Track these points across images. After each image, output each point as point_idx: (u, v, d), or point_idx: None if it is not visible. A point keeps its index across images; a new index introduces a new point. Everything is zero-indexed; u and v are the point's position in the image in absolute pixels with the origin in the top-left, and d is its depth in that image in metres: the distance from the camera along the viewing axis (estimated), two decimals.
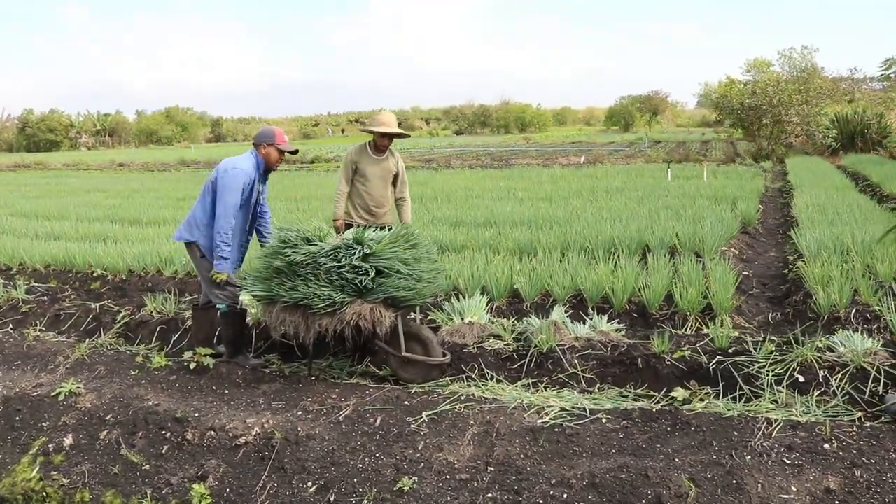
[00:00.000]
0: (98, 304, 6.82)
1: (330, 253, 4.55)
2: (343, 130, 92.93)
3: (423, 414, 4.21)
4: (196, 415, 4.40)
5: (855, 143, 27.49)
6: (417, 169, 26.72)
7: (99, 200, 16.97)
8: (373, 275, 4.51)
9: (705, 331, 5.93)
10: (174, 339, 6.11)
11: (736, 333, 5.50)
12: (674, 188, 14.30)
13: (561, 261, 7.42)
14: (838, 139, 27.93)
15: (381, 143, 6.22)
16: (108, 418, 4.53)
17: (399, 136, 6.33)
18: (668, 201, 12.07)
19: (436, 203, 13.33)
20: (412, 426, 4.09)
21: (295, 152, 5.70)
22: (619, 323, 5.79)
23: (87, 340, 6.13)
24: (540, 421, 4.09)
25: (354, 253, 4.54)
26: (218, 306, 5.35)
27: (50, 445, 4.40)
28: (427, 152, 39.47)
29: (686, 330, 6.02)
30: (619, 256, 7.54)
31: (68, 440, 4.40)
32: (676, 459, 3.64)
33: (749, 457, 3.61)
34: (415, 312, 5.47)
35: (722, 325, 6.14)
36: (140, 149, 63.64)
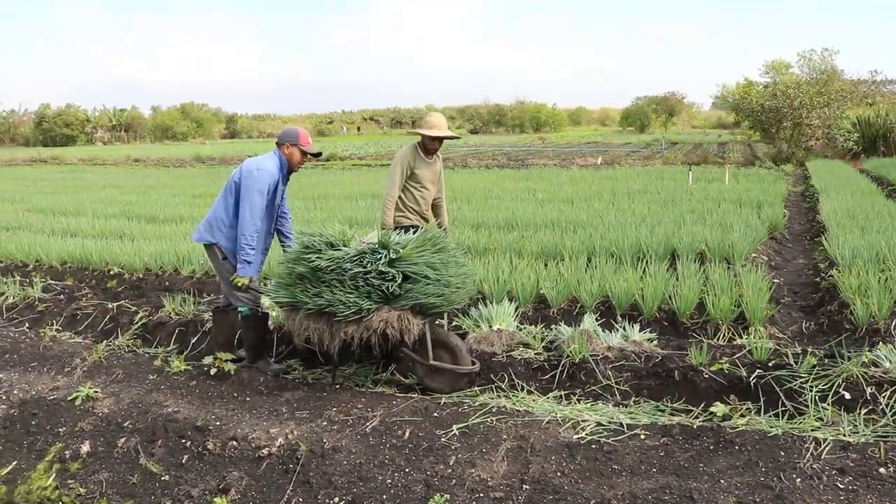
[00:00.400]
0: (115, 304, 6.70)
1: (355, 258, 4.38)
2: (359, 129, 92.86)
3: (454, 427, 4.04)
4: (217, 423, 4.25)
5: (877, 146, 27.11)
6: None
7: (115, 196, 16.91)
8: (400, 280, 4.35)
9: (738, 341, 5.74)
10: (193, 341, 5.97)
11: (771, 345, 5.32)
12: (696, 191, 14.06)
13: (588, 266, 7.24)
14: (860, 143, 27.55)
15: (432, 146, 6.01)
16: (126, 425, 4.39)
17: (450, 138, 6.10)
18: (693, 205, 11.84)
19: (455, 204, 13.15)
20: (443, 440, 3.92)
21: (318, 155, 5.54)
22: (650, 332, 5.60)
23: (105, 342, 6.00)
24: (576, 436, 3.92)
25: (381, 258, 4.38)
26: (239, 309, 5.21)
27: (66, 452, 4.25)
28: (443, 151, 38.97)
29: (718, 340, 5.84)
30: (647, 262, 7.35)
31: (85, 447, 4.26)
32: (722, 481, 3.46)
33: (799, 479, 3.42)
34: (442, 318, 5.30)
35: (756, 336, 5.98)
36: (155, 144, 63.83)
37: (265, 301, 5.37)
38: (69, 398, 4.71)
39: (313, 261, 4.39)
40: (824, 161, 24.89)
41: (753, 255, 8.17)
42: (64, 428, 4.46)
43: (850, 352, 5.00)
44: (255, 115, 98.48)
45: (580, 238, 8.66)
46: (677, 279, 6.69)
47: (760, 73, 48.01)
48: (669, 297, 6.35)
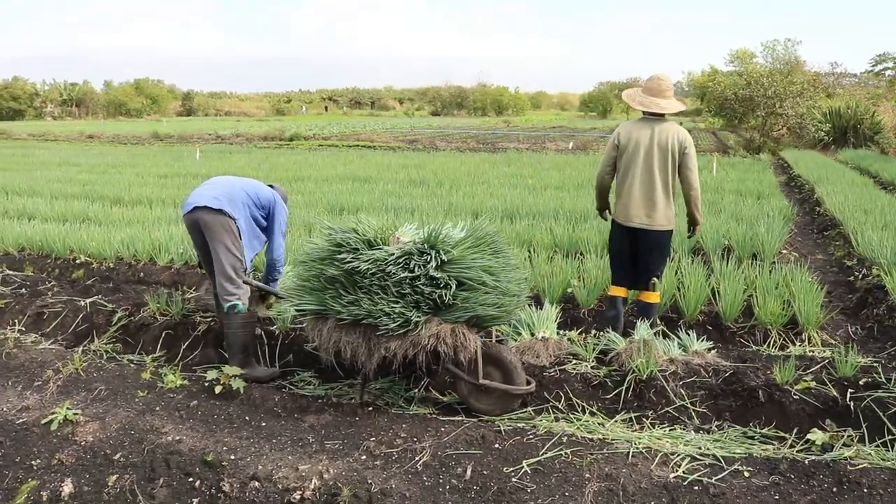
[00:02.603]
0: (88, 301, 5.82)
1: (401, 260, 3.67)
2: (326, 108, 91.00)
3: (524, 463, 3.37)
4: (231, 457, 3.51)
5: (847, 137, 27.10)
6: (404, 150, 25.77)
7: (73, 175, 15.72)
8: (454, 287, 3.65)
9: (791, 349, 5.21)
10: (184, 347, 5.18)
11: (828, 353, 4.80)
12: None
13: None
14: (831, 133, 27.51)
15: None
16: (117, 457, 3.61)
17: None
18: None
19: (443, 189, 12.44)
20: (513, 480, 3.25)
21: None
22: (706, 340, 4.99)
23: (80, 347, 5.18)
24: (672, 475, 3.28)
25: (430, 260, 3.67)
26: (231, 303, 4.55)
27: (43, 492, 3.46)
28: (408, 133, 38.37)
29: (769, 347, 5.29)
30: (679, 258, 6.76)
31: (67, 486, 3.48)
32: None
33: None
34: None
35: (810, 343, 5.45)
36: (109, 120, 61.33)
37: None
38: (43, 422, 3.91)
39: (349, 262, 3.66)
40: (798, 151, 24.70)
41: (783, 251, 7.66)
42: (38, 460, 3.66)
43: None
44: (211, 92, 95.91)
45: (594, 229, 8.06)
46: (714, 278, 6.12)
47: (725, 62, 48.05)
48: (711, 297, 5.79)
